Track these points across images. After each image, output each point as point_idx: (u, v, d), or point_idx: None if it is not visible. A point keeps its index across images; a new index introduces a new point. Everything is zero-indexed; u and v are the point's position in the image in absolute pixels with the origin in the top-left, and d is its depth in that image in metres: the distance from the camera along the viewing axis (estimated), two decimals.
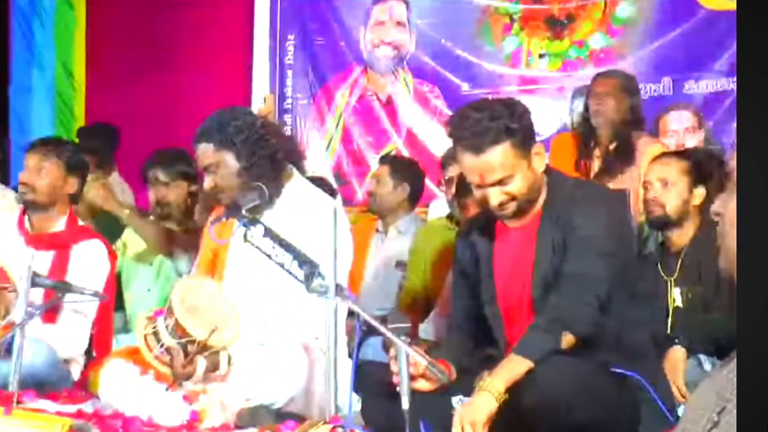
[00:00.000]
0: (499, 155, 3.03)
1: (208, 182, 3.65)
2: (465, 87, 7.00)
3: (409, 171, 5.77)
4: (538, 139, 3.24)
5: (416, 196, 5.74)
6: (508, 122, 3.03)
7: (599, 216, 3.04)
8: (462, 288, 3.33)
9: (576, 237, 3.01)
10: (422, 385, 2.93)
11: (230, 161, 3.59)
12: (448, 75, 7.06)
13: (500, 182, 3.05)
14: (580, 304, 2.92)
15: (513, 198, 3.07)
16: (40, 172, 4.32)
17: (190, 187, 5.23)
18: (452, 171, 4.80)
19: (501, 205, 3.08)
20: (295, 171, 3.75)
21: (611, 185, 4.83)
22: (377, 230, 5.67)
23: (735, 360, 1.62)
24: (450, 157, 4.93)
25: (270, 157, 3.60)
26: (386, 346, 4.60)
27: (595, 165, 5.11)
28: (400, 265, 5.39)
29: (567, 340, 2.92)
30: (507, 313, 3.16)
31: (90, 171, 5.23)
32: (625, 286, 3.07)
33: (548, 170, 3.19)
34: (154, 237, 5.10)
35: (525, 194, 3.08)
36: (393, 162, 5.89)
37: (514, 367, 2.84)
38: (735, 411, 1.56)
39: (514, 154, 3.04)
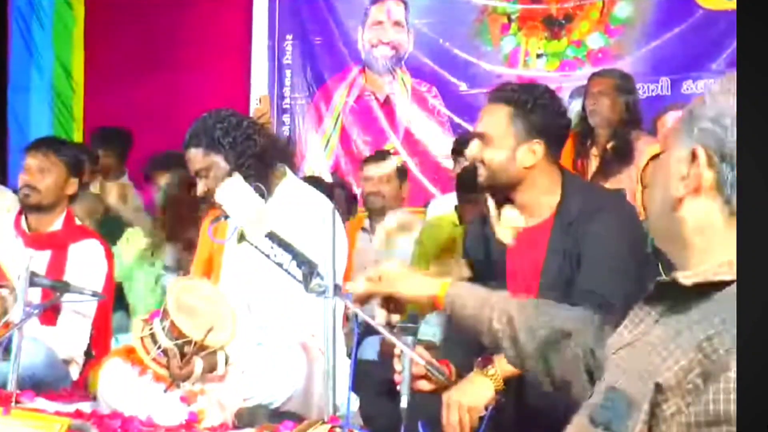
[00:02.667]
0: (491, 113, 3.11)
1: (200, 187, 3.65)
2: (463, 87, 7.01)
3: (404, 168, 5.77)
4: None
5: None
6: (523, 96, 3.09)
7: (616, 231, 3.03)
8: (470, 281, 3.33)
9: (592, 251, 3.01)
10: (424, 385, 2.93)
11: (220, 164, 3.59)
12: (446, 75, 7.07)
13: (480, 137, 3.11)
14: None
15: (482, 161, 3.10)
16: (43, 173, 4.31)
17: (191, 191, 5.22)
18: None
19: (471, 160, 3.14)
20: (288, 170, 3.75)
21: (608, 184, 4.84)
22: (363, 229, 5.61)
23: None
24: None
25: (259, 156, 3.61)
26: (383, 348, 4.62)
27: (593, 164, 5.11)
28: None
29: None
30: None
31: (102, 175, 5.23)
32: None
33: (563, 171, 3.19)
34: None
35: (491, 170, 3.10)
36: (396, 161, 5.87)
37: None
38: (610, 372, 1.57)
39: (506, 126, 3.08)
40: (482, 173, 3.13)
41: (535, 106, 3.10)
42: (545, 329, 2.03)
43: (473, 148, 3.14)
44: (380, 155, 6.03)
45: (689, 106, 1.56)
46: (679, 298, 1.51)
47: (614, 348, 1.61)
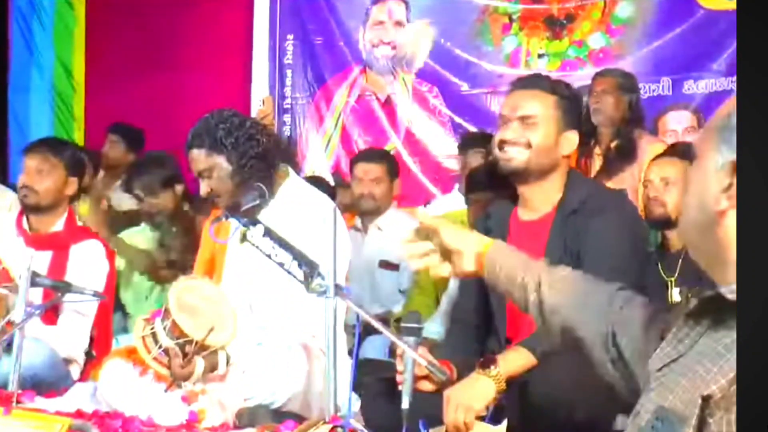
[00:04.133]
0: (536, 97, 3.13)
1: (203, 187, 3.65)
2: (464, 87, 7.01)
3: (397, 166, 5.69)
4: None
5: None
6: (560, 88, 3.15)
7: (618, 230, 3.04)
8: (472, 280, 3.32)
9: (593, 250, 3.00)
10: (425, 386, 2.92)
11: (223, 164, 3.59)
12: (447, 75, 7.06)
13: (524, 120, 3.11)
14: None
15: (527, 144, 3.10)
16: (41, 175, 4.30)
17: (176, 190, 5.22)
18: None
19: (511, 143, 3.11)
20: (290, 170, 3.75)
21: (612, 183, 4.84)
22: (355, 228, 5.50)
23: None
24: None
25: (261, 156, 3.61)
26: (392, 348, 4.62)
27: (596, 163, 5.12)
28: (386, 265, 5.36)
29: None
30: (511, 308, 3.15)
31: (106, 170, 5.22)
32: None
33: (569, 169, 3.20)
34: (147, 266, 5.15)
35: (536, 151, 3.10)
36: (386, 159, 5.72)
37: (519, 359, 2.84)
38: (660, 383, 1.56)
39: (551, 112, 3.12)
40: (519, 156, 3.11)
41: (575, 99, 3.21)
42: (566, 309, 2.03)
43: (515, 130, 3.12)
44: (370, 155, 5.87)
45: (720, 115, 1.52)
46: (725, 312, 1.46)
47: (658, 365, 1.58)
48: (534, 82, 3.23)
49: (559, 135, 3.14)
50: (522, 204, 3.22)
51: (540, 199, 3.17)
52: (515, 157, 3.12)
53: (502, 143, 3.15)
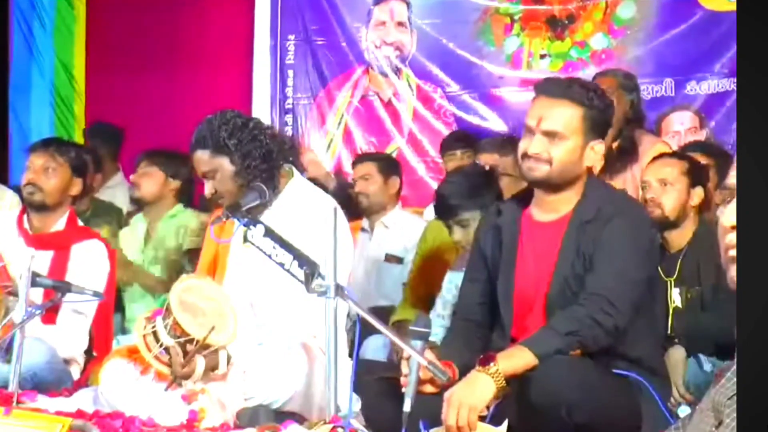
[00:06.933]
0: (565, 110, 3.06)
1: (208, 188, 3.66)
2: (466, 87, 7.00)
3: (394, 164, 5.83)
4: None
5: (401, 190, 5.79)
6: (591, 99, 3.07)
7: (631, 237, 3.04)
8: (478, 272, 3.30)
9: (604, 255, 3.00)
10: (428, 388, 2.92)
11: (226, 165, 3.60)
12: (449, 75, 7.05)
13: (549, 135, 3.05)
14: (599, 327, 2.90)
15: (548, 161, 3.06)
16: (48, 173, 4.31)
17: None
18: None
19: (535, 157, 3.06)
20: (294, 170, 3.76)
21: (613, 183, 4.84)
22: (362, 229, 5.63)
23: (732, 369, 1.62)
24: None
25: (265, 157, 3.61)
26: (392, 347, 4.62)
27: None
28: (391, 258, 5.41)
29: (576, 351, 2.93)
30: (518, 307, 3.15)
31: (93, 171, 5.27)
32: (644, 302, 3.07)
33: (587, 175, 3.18)
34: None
35: (559, 167, 3.06)
36: (378, 158, 5.94)
37: (520, 358, 2.83)
38: (733, 417, 1.56)
39: (578, 126, 3.06)
40: (541, 169, 3.07)
41: (605, 109, 3.14)
42: None
43: (537, 144, 3.07)
44: (361, 156, 6.17)
45: None
46: None
47: (728, 395, 1.60)
48: (563, 90, 3.11)
49: (584, 148, 3.09)
50: (537, 204, 3.19)
51: (557, 203, 3.15)
52: (537, 169, 3.08)
53: (525, 156, 3.10)
